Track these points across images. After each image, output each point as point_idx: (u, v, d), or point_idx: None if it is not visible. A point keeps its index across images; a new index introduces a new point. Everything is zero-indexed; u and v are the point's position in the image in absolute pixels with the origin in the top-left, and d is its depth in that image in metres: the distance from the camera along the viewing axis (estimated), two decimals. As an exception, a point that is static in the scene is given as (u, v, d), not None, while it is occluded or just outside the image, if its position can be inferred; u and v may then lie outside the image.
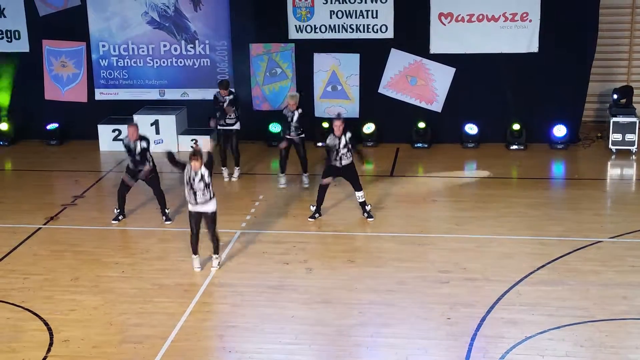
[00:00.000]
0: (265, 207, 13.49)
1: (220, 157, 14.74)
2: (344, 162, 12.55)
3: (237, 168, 14.90)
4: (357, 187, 12.76)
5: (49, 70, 17.50)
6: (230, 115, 14.44)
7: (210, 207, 10.97)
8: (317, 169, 14.55)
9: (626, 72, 17.43)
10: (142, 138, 12.64)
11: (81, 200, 13.96)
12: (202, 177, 10.77)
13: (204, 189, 10.81)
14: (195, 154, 10.81)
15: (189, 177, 10.81)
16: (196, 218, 11.01)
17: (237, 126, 14.58)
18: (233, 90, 14.94)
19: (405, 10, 16.33)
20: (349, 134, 12.53)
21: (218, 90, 14.58)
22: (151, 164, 12.72)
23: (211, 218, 11.00)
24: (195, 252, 11.19)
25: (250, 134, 16.30)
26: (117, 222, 12.96)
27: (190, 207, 11.01)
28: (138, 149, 12.55)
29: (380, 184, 14.41)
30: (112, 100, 17.41)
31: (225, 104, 14.43)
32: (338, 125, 12.44)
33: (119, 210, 13.03)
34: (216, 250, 11.22)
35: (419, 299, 10.17)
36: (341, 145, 12.43)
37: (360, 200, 12.80)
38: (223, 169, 14.84)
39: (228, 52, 17.03)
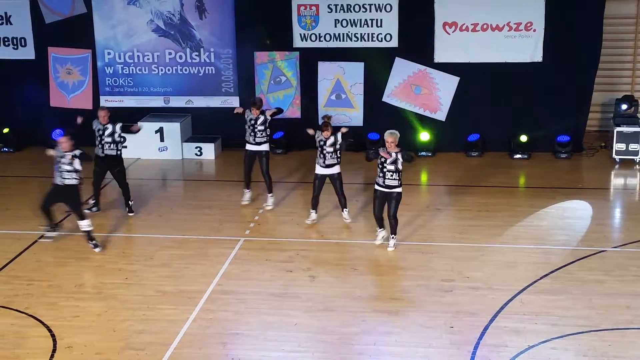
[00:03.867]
0: (268, 215, 13.50)
1: (245, 180, 13.87)
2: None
3: (270, 195, 13.73)
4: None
5: (54, 77, 17.57)
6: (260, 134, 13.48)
7: (335, 170, 12.66)
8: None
9: (630, 82, 17.46)
10: (115, 122, 13.24)
11: (85, 207, 13.95)
12: (333, 142, 12.46)
13: (332, 153, 12.51)
14: (326, 124, 12.46)
15: (320, 141, 12.51)
16: (320, 180, 12.67)
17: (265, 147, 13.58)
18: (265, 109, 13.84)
19: (410, 20, 16.37)
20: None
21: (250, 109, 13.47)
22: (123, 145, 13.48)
23: (338, 180, 12.70)
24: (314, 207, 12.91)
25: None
26: (89, 211, 13.33)
27: (317, 170, 12.65)
28: (108, 131, 13.15)
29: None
30: (117, 107, 17.43)
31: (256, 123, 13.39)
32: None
33: (94, 201, 13.66)
34: (344, 205, 12.91)
35: (422, 308, 10.17)
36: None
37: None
38: (246, 191, 13.88)
39: (233, 60, 17.08)
